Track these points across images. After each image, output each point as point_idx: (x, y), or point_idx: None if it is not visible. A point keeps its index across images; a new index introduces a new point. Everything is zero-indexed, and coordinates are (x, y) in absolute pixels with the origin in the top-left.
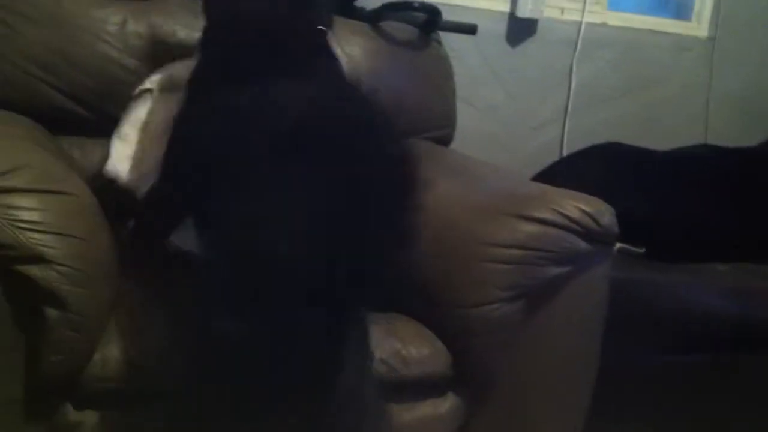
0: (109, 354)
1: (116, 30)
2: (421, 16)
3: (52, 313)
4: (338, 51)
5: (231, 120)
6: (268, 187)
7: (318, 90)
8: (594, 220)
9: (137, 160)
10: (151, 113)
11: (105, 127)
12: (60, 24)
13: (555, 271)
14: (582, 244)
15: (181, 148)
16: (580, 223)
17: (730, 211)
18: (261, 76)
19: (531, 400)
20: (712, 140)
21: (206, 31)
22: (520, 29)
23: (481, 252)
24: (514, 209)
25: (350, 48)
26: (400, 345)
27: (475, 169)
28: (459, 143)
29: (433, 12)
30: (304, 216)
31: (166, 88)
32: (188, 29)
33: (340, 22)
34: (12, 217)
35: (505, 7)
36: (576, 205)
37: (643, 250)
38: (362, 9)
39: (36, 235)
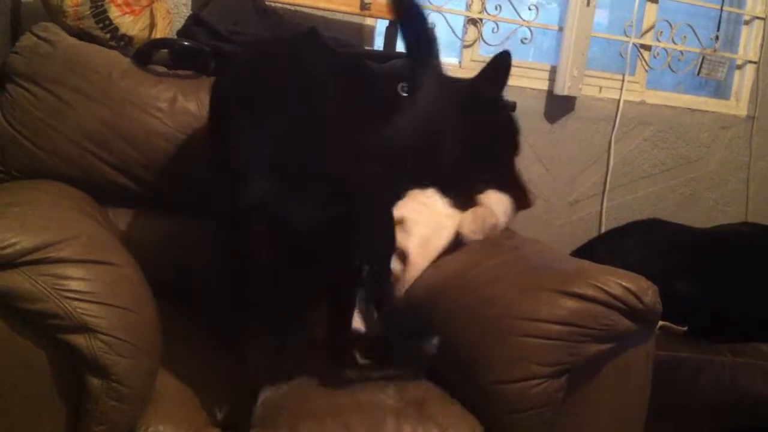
0: (151, 425)
1: (166, 106)
2: None
3: (95, 382)
4: None
5: None
6: None
7: None
8: (637, 297)
9: None
10: None
11: (152, 199)
12: (112, 100)
13: (597, 348)
14: (625, 322)
15: None
16: (623, 300)
17: None
18: None
19: None
20: (752, 218)
21: None
22: (559, 106)
23: (521, 327)
24: (555, 285)
25: None
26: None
27: (516, 245)
28: None
29: None
30: None
31: None
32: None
33: None
34: (60, 287)
35: (544, 85)
36: (618, 282)
37: (685, 329)
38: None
39: (83, 305)
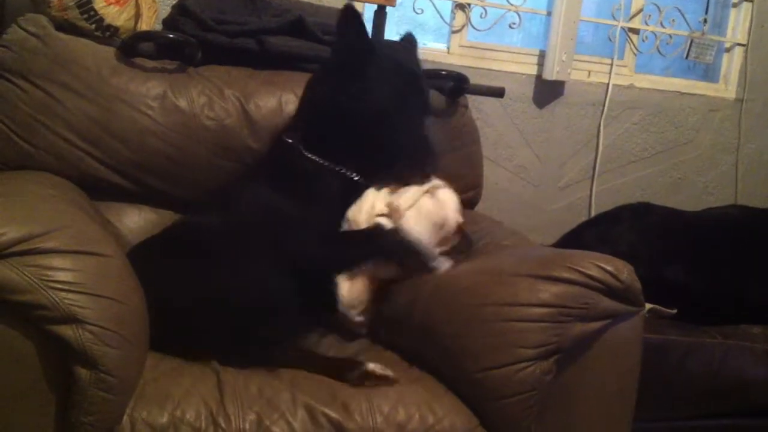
0: (138, 416)
1: (156, 103)
2: (448, 83)
3: (84, 373)
4: None
5: None
6: None
7: None
8: (613, 276)
9: None
10: None
11: (143, 195)
12: (101, 96)
13: (582, 327)
14: (606, 301)
15: None
16: (600, 280)
17: (763, 273)
18: None
19: None
20: (742, 201)
21: None
22: (548, 91)
23: (502, 313)
24: (533, 271)
25: None
26: (432, 419)
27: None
28: (487, 203)
29: (460, 79)
30: None
31: None
32: (225, 102)
33: None
34: (47, 278)
35: (533, 70)
36: (594, 263)
37: (674, 311)
38: None
39: (70, 296)
